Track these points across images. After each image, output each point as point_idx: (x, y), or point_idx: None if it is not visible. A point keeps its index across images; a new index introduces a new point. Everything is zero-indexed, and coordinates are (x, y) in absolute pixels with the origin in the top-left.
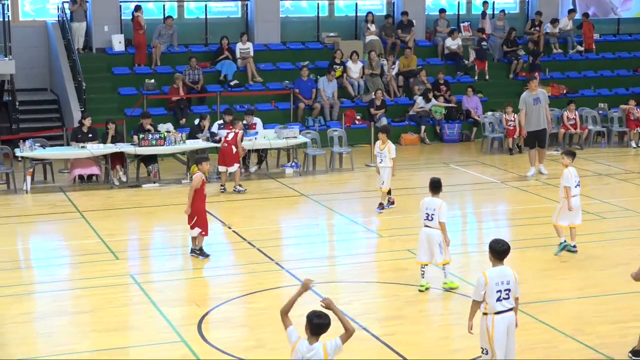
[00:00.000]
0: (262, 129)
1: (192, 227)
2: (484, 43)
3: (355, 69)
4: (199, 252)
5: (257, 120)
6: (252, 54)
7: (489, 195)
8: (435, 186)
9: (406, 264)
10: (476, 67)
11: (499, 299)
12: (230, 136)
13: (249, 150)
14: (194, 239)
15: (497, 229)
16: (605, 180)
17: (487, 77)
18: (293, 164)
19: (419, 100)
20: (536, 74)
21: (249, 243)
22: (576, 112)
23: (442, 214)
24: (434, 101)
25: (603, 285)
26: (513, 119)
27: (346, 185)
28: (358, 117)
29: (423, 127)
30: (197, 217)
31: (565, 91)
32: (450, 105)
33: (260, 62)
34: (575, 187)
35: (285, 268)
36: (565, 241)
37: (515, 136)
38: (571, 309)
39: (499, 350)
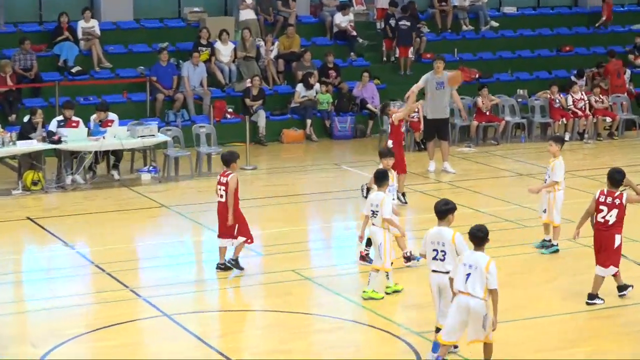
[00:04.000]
0: (117, 127)
1: (235, 236)
2: (387, 22)
3: (225, 51)
4: (234, 262)
5: (113, 117)
6: (98, 33)
7: None
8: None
9: (293, 287)
10: (398, 53)
11: (434, 258)
12: None
13: (95, 153)
14: (224, 250)
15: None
16: (526, 181)
17: (408, 70)
18: (150, 168)
19: (299, 88)
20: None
21: (97, 267)
22: (490, 96)
23: (385, 210)
24: (318, 87)
25: (528, 307)
26: (417, 110)
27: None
28: (230, 110)
29: (309, 121)
30: (240, 223)
31: (477, 76)
32: (336, 85)
33: (108, 43)
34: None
35: (143, 296)
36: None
37: (421, 130)
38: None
39: (435, 303)
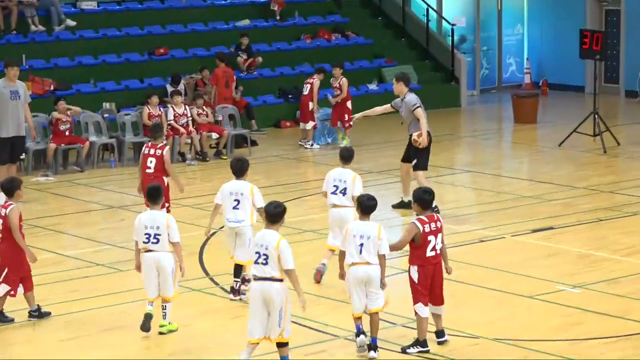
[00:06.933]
0: None
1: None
2: None
3: None
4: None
5: None
6: None
7: None
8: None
9: None
10: None
11: (256, 262)
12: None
13: None
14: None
15: None
16: (119, 214)
17: None
18: None
19: None
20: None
21: None
22: (69, 112)
23: (173, 233)
24: None
25: None
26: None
27: None
28: None
29: None
30: (10, 268)
31: (52, 87)
32: None
33: None
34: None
35: None
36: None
37: None
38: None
39: (258, 315)
